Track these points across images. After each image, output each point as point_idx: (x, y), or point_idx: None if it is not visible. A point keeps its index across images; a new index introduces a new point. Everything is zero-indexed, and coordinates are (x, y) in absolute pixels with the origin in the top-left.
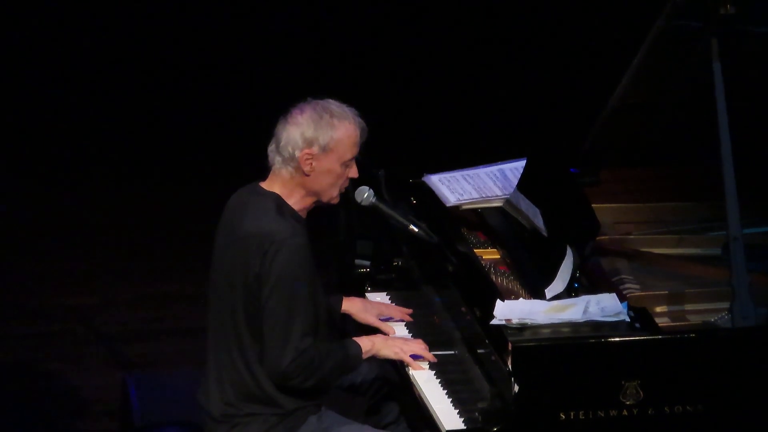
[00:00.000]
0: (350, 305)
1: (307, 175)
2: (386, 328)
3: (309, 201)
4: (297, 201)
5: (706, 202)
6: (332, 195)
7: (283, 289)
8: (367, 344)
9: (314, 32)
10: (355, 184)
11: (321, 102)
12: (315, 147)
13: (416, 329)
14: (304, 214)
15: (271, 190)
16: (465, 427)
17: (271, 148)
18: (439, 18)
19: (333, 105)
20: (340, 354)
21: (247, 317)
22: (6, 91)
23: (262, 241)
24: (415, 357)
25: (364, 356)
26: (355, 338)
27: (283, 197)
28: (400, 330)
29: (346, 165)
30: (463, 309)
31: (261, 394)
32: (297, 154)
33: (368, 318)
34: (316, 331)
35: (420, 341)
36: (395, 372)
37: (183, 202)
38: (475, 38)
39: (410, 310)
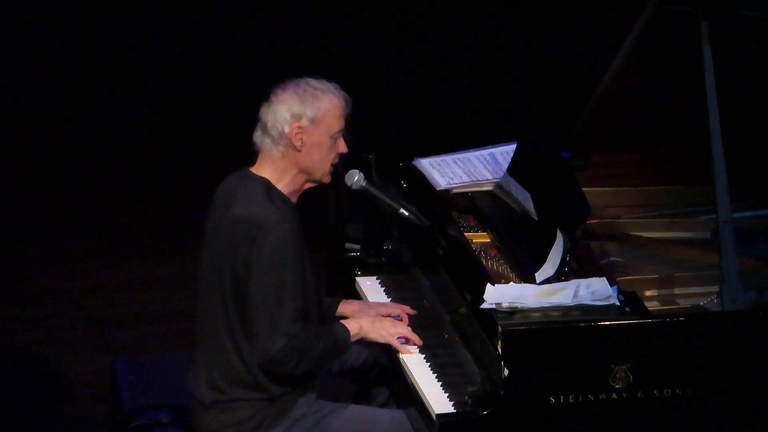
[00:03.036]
0: (347, 307)
1: (299, 151)
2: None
3: (301, 180)
4: (288, 183)
5: (696, 185)
6: (324, 171)
7: (272, 274)
8: (354, 327)
9: (302, 16)
10: (345, 167)
11: (301, 79)
12: (303, 120)
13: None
14: (294, 198)
15: (260, 174)
16: (455, 411)
17: (257, 133)
18: (428, 1)
19: (313, 80)
20: (329, 338)
21: (237, 303)
22: None
23: (251, 227)
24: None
25: (352, 339)
26: (342, 321)
27: (273, 181)
28: None
29: (334, 138)
30: (453, 293)
31: (250, 380)
32: (286, 130)
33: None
34: (305, 317)
35: (406, 325)
36: (385, 356)
37: (174, 185)
38: (466, 21)
39: (413, 312)
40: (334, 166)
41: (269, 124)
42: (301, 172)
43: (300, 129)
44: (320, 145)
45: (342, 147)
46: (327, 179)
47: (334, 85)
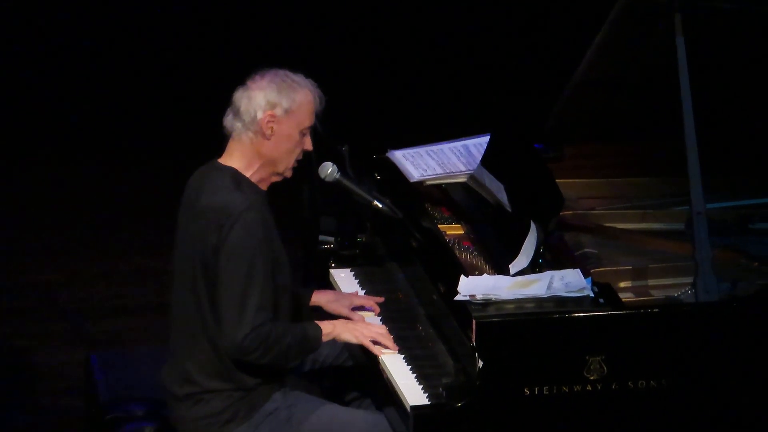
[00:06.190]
0: (321, 296)
1: (267, 139)
2: (356, 317)
3: (267, 172)
4: (255, 172)
5: (670, 177)
6: (288, 165)
7: (239, 261)
8: (327, 327)
9: (276, 8)
10: (318, 159)
11: (280, 69)
12: (278, 109)
13: (381, 306)
14: (264, 187)
15: (228, 164)
16: (429, 403)
17: (228, 117)
18: None
19: (291, 73)
20: (299, 333)
21: (208, 292)
22: None
23: (219, 215)
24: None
25: (324, 339)
26: (317, 321)
27: (241, 170)
28: (372, 319)
29: (303, 134)
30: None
31: (222, 370)
32: (259, 116)
33: (339, 309)
34: (276, 306)
35: (383, 326)
36: (360, 348)
37: (147, 178)
38: (439, 12)
39: (382, 299)
40: (301, 161)
41: (242, 108)
42: (266, 164)
43: (273, 117)
44: (288, 137)
45: (308, 144)
46: (289, 174)
47: (311, 81)
